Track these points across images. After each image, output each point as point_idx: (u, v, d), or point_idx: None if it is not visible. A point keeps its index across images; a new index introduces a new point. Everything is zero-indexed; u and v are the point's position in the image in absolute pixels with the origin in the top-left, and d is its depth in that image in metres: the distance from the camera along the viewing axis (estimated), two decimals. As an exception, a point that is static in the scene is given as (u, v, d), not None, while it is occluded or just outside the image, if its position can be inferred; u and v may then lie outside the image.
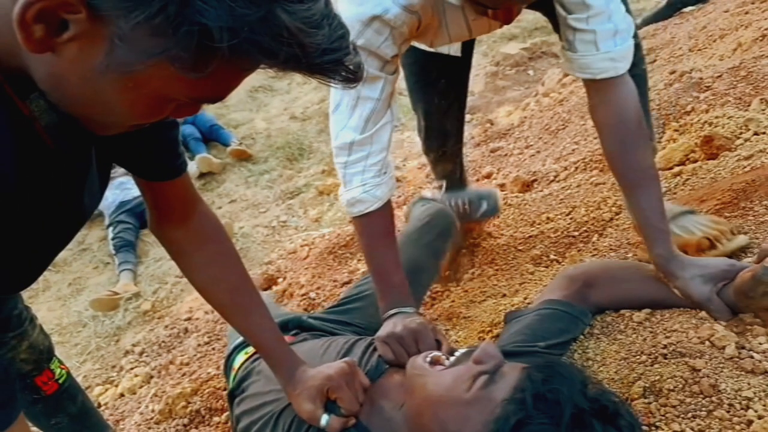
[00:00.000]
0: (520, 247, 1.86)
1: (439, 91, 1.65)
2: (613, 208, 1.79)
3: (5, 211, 0.59)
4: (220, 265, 1.01)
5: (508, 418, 0.73)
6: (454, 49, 1.54)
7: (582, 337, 1.16)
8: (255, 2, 0.46)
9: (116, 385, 2.20)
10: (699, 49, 2.57)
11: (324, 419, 0.95)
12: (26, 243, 0.67)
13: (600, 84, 1.15)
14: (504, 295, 1.58)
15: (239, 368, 1.26)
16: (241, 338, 1.31)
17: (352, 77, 0.55)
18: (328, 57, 0.51)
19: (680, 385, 0.95)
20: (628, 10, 1.17)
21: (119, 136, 0.64)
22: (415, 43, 1.49)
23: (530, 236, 1.87)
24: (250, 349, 1.28)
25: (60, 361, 1.39)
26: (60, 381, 1.37)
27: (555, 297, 1.19)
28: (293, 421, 1.01)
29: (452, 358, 0.93)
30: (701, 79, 2.09)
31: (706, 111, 1.91)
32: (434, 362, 0.92)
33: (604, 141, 1.20)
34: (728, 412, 0.88)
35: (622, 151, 1.16)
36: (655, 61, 2.73)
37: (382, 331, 1.12)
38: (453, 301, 1.73)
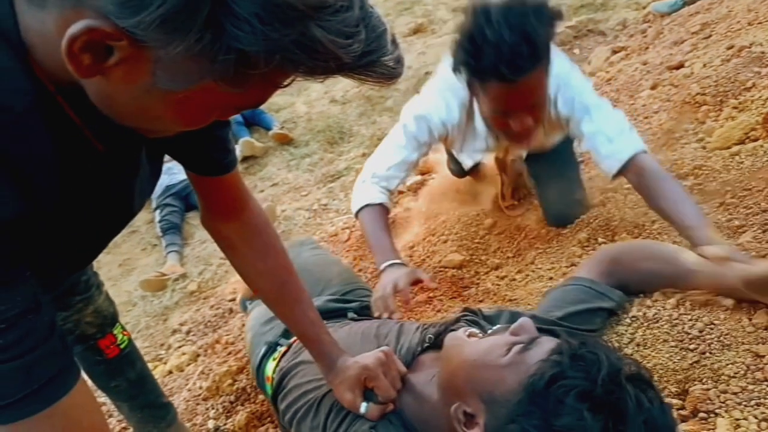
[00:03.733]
0: (564, 231, 1.82)
1: None
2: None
3: (54, 211, 0.63)
4: (267, 260, 1.05)
5: (543, 374, 0.75)
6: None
7: (628, 322, 1.13)
8: (288, 23, 0.46)
9: (165, 363, 2.27)
10: (759, 23, 2.42)
11: (363, 407, 0.99)
12: (76, 236, 0.71)
13: (621, 175, 1.45)
14: (551, 278, 1.54)
15: (273, 374, 1.31)
16: (264, 348, 1.37)
17: (390, 74, 0.54)
18: (365, 60, 0.51)
19: (742, 372, 0.91)
20: None
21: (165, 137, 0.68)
22: None
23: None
24: (277, 354, 1.33)
25: (123, 328, 1.44)
26: (122, 346, 1.42)
27: (582, 275, 1.21)
28: (333, 406, 1.05)
29: (489, 332, 0.96)
30: (763, 53, 1.98)
31: (768, 87, 1.81)
32: (471, 336, 0.95)
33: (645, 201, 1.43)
34: (796, 400, 0.84)
35: (652, 198, 1.37)
36: (710, 36, 2.60)
37: (380, 284, 1.40)
38: (495, 284, 1.71)
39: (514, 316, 1.08)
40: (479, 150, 1.76)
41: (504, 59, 1.22)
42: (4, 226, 0.55)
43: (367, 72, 0.53)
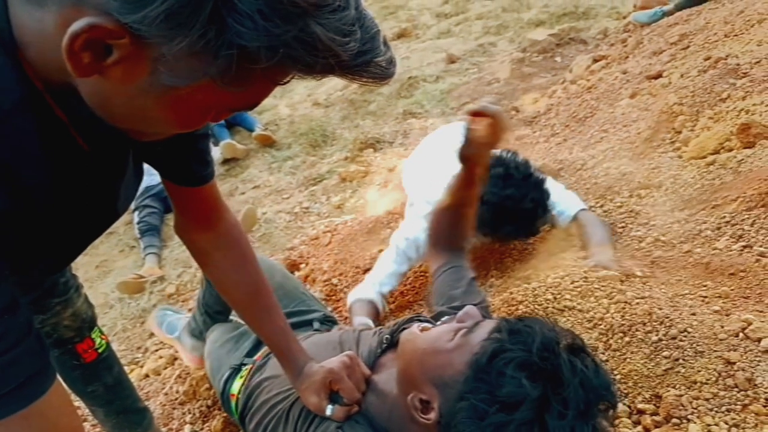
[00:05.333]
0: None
1: None
2: (644, 198, 1.75)
3: (39, 210, 0.62)
4: (240, 270, 1.07)
5: (485, 350, 0.80)
6: None
7: (603, 330, 1.14)
8: (290, 20, 0.47)
9: (141, 366, 2.23)
10: (735, 35, 2.48)
11: (329, 409, 1.02)
12: (59, 236, 0.71)
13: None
14: (529, 284, 1.55)
15: (239, 393, 1.32)
16: (229, 372, 1.39)
17: (383, 74, 0.55)
18: (360, 59, 0.52)
19: (713, 378, 0.93)
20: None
21: (154, 141, 0.67)
22: None
23: (556, 225, 1.83)
24: (244, 372, 1.35)
25: (101, 331, 1.42)
26: (99, 350, 1.40)
27: (435, 266, 1.28)
28: (302, 412, 1.08)
29: (438, 323, 1.01)
30: (738, 65, 2.02)
31: (743, 98, 1.85)
32: (424, 330, 0.98)
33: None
34: (765, 407, 0.85)
35: (583, 232, 1.74)
36: (688, 47, 2.65)
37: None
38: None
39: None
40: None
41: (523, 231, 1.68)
42: None
43: (362, 72, 0.54)
